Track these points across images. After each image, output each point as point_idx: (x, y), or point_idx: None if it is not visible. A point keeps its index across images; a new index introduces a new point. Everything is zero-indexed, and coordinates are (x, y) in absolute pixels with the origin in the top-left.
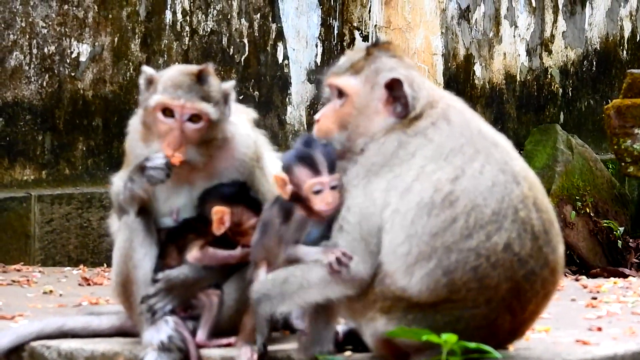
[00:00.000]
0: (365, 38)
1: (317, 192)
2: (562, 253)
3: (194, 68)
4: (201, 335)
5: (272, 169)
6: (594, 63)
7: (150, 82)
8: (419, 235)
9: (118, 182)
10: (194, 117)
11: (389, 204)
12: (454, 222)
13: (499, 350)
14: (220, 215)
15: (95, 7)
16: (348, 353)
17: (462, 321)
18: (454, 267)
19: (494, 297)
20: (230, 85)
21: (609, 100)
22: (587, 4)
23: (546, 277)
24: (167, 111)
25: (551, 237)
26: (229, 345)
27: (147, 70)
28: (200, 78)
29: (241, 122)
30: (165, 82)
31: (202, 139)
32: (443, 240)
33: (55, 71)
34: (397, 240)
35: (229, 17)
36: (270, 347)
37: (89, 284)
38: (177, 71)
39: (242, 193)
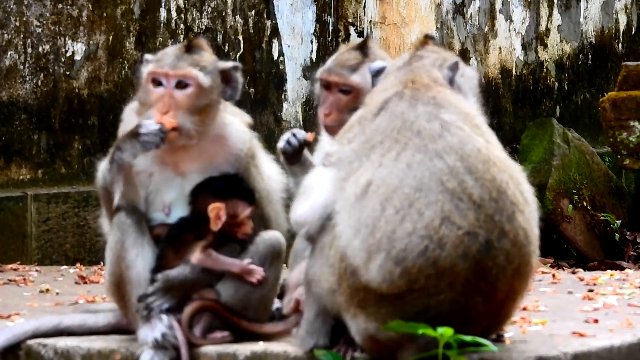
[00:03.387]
0: (360, 34)
1: None
2: (526, 223)
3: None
4: (195, 333)
5: (266, 168)
6: (590, 56)
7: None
8: (362, 228)
9: (104, 165)
10: (182, 84)
11: (337, 199)
12: (383, 210)
13: (491, 338)
14: (216, 212)
15: (90, 5)
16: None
17: (431, 309)
18: (402, 255)
19: (456, 281)
20: (230, 65)
21: (605, 94)
22: None
23: (508, 249)
24: (156, 81)
25: (503, 206)
26: (223, 338)
27: (148, 56)
28: (189, 48)
29: (236, 120)
30: (157, 56)
31: (194, 106)
32: (383, 230)
33: (50, 70)
34: (349, 234)
35: (223, 14)
36: (267, 344)
37: (85, 282)
38: (170, 47)
39: (234, 185)
